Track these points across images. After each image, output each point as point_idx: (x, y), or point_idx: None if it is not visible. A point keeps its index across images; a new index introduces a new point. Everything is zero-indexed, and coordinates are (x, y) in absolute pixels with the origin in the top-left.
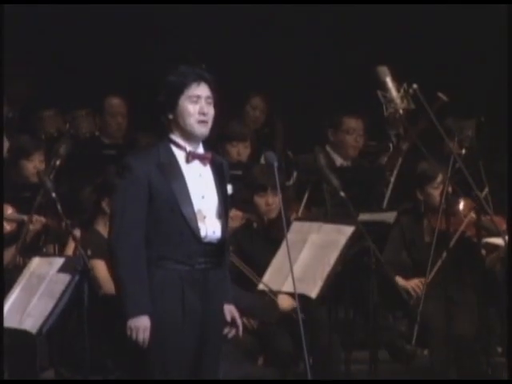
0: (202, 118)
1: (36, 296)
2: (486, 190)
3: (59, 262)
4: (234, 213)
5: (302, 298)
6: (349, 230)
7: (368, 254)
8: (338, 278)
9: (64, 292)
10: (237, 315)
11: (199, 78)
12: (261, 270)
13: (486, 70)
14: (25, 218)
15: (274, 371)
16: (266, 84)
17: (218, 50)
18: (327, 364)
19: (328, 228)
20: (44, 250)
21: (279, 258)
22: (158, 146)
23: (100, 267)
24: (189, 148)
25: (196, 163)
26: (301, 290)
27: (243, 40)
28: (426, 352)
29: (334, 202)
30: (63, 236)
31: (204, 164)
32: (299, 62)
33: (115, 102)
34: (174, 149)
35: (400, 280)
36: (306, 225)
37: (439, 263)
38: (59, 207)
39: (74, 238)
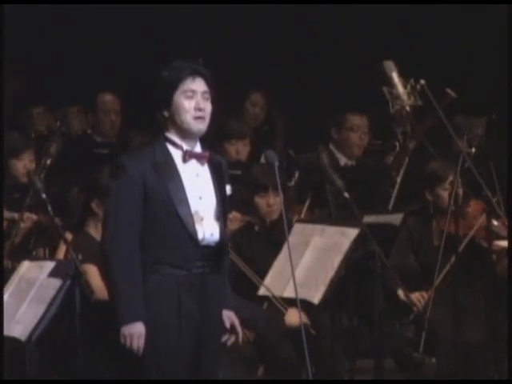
0: (199, 113)
1: (25, 301)
2: (498, 191)
3: (50, 265)
4: (234, 215)
5: (304, 304)
6: (353, 232)
7: (373, 257)
8: (341, 283)
9: (55, 297)
10: (236, 322)
11: (194, 72)
12: (261, 274)
13: (486, 69)
14: (15, 215)
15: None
16: (266, 82)
17: (218, 50)
18: (330, 374)
19: (331, 230)
20: (34, 253)
21: (280, 262)
22: (153, 145)
23: (92, 272)
24: (185, 147)
25: (193, 162)
26: (302, 295)
27: (243, 40)
28: (433, 360)
29: (338, 204)
30: (54, 239)
31: (201, 163)
32: (299, 62)
33: (108, 99)
34: (170, 148)
35: (402, 293)
36: (309, 227)
37: (447, 268)
38: (50, 208)
39: (66, 241)
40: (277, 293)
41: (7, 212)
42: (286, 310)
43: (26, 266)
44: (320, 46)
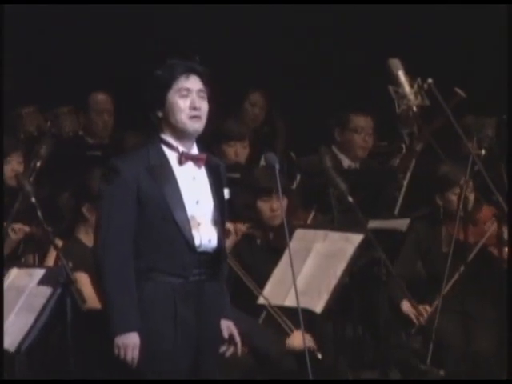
0: (194, 113)
1: (14, 311)
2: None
3: (39, 273)
4: (237, 226)
5: (306, 313)
6: (357, 238)
7: (378, 264)
8: (345, 291)
9: (45, 306)
10: (235, 332)
11: (188, 70)
12: (262, 283)
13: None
14: (4, 224)
15: None
16: (266, 82)
17: (218, 50)
18: None
19: (334, 236)
20: (23, 260)
21: (281, 269)
22: (147, 147)
23: (83, 280)
24: (181, 148)
25: (189, 165)
26: (304, 304)
27: (243, 40)
28: (442, 372)
29: (341, 208)
30: (44, 245)
31: (198, 166)
32: (299, 62)
33: (101, 99)
34: (166, 149)
35: (406, 305)
36: (311, 232)
37: (456, 276)
38: (39, 213)
39: (56, 247)
40: (277, 301)
41: None
42: (292, 331)
43: (14, 274)
44: (320, 46)
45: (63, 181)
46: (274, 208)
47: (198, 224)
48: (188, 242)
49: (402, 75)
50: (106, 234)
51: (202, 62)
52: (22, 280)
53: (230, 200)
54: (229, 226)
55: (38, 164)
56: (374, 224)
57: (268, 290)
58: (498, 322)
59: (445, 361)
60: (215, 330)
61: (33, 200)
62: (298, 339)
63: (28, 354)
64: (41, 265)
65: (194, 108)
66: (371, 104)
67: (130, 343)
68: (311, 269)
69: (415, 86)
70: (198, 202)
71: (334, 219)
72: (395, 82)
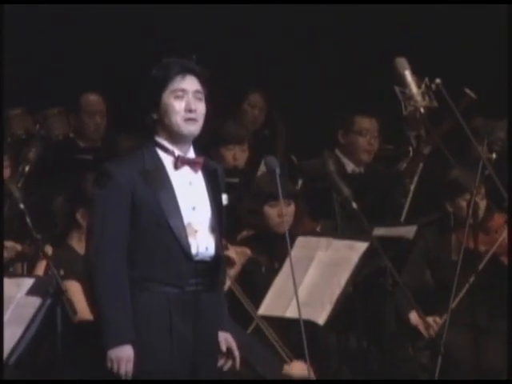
0: (190, 115)
1: (2, 322)
2: None
3: (28, 282)
4: (242, 250)
5: (308, 325)
6: (362, 246)
7: (384, 274)
8: (349, 302)
9: (34, 317)
10: (233, 345)
11: (184, 70)
12: (263, 296)
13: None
14: None
15: None
16: (266, 83)
17: (218, 50)
18: None
19: (338, 244)
20: (11, 269)
21: (282, 279)
22: (141, 150)
23: (75, 290)
24: (177, 152)
25: (186, 169)
26: (306, 315)
27: (243, 40)
28: None
29: (345, 214)
30: (33, 253)
31: (195, 170)
32: (299, 62)
33: (93, 100)
34: (161, 153)
35: (414, 316)
36: (313, 240)
37: (466, 287)
38: (28, 220)
39: (46, 256)
40: (278, 313)
41: None
42: (291, 360)
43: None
44: (320, 45)
45: (53, 186)
46: (282, 213)
47: (195, 231)
48: (184, 250)
49: (408, 75)
50: (99, 240)
51: (199, 62)
52: (9, 290)
53: (233, 206)
54: (232, 254)
55: (27, 168)
56: (379, 231)
57: (268, 301)
58: (510, 334)
59: (454, 375)
60: (212, 342)
61: (21, 206)
62: (296, 369)
63: (16, 367)
64: (30, 274)
65: (189, 110)
66: (376, 105)
67: (123, 356)
68: (313, 278)
69: (423, 86)
70: (194, 209)
71: (337, 226)
72: (402, 82)
